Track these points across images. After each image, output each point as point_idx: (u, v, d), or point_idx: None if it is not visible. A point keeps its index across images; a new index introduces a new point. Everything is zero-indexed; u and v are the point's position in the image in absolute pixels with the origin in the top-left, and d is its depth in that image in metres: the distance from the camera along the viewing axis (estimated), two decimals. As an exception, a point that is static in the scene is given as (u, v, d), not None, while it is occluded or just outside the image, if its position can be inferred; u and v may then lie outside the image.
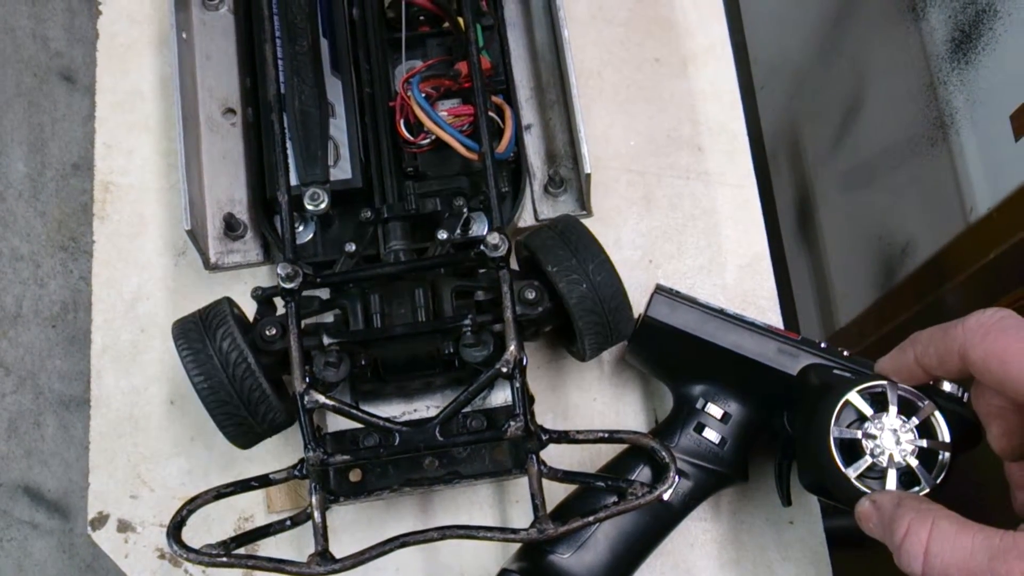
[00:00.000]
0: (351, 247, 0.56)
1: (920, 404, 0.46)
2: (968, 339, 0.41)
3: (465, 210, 0.60)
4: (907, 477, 0.45)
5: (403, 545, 0.49)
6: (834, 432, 0.46)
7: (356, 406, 0.52)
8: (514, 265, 0.59)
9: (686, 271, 0.66)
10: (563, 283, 0.53)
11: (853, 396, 0.47)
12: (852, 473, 0.45)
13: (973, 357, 0.41)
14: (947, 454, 0.45)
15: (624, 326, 0.55)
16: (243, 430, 0.52)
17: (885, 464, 0.45)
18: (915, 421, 0.46)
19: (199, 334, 0.51)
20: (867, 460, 0.46)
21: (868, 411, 0.46)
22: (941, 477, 0.45)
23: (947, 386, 0.48)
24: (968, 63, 0.76)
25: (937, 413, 0.46)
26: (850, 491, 0.45)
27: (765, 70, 1.25)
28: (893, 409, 0.46)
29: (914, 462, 0.45)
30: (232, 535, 0.49)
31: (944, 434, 0.46)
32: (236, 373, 0.51)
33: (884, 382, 0.46)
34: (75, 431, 1.52)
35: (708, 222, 0.67)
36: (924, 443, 0.46)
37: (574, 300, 0.53)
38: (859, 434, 0.46)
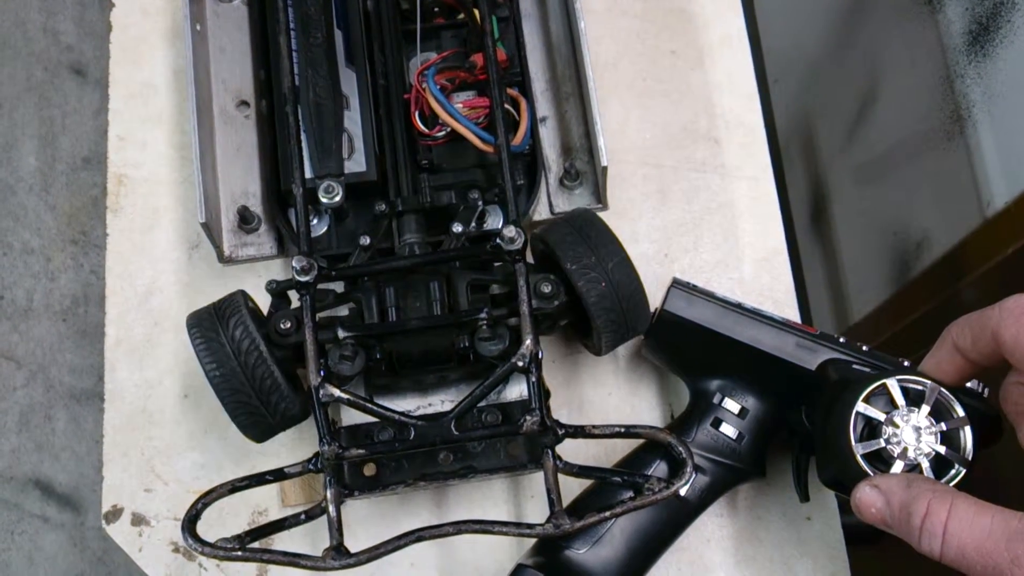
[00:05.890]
0: (366, 240, 0.55)
1: (955, 414, 0.46)
2: (1003, 319, 0.41)
3: (480, 203, 0.59)
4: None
5: (418, 540, 0.49)
6: (859, 407, 0.46)
7: (371, 400, 0.52)
8: (530, 259, 0.59)
9: (703, 265, 0.66)
10: (582, 281, 0.52)
11: (892, 383, 0.46)
12: (860, 449, 0.45)
13: (1005, 336, 0.41)
14: (963, 469, 0.45)
15: (641, 322, 0.56)
16: (255, 420, 0.52)
17: (895, 455, 0.45)
18: (943, 427, 0.45)
19: (212, 323, 0.51)
20: (879, 443, 0.45)
21: (901, 401, 0.46)
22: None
23: (968, 382, 0.48)
24: (985, 56, 0.75)
25: (968, 429, 0.45)
26: (851, 466, 0.45)
27: (779, 63, 1.24)
28: (926, 408, 0.46)
29: (925, 463, 0.45)
30: (247, 529, 0.49)
31: (968, 450, 0.45)
32: (248, 361, 0.50)
33: (929, 382, 0.46)
34: (86, 424, 1.52)
35: (725, 216, 0.67)
36: (943, 450, 0.45)
37: (593, 299, 0.52)
38: (882, 417, 0.46)
